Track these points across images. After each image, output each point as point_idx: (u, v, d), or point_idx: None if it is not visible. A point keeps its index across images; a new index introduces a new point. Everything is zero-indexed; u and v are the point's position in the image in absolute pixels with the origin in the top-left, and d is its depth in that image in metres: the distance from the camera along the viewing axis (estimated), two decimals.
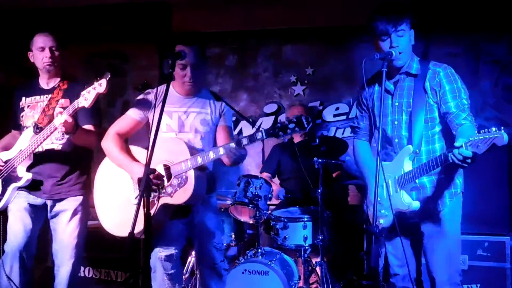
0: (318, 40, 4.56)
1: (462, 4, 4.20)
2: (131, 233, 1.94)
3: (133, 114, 2.64)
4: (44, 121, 2.77)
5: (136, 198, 2.46)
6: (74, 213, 2.86)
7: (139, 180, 2.20)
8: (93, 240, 3.12)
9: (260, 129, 2.28)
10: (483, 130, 1.85)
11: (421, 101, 2.26)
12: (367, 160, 2.50)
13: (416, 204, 2.25)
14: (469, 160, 1.93)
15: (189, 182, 2.41)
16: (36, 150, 2.79)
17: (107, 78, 2.48)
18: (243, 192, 3.48)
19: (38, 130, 2.71)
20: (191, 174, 2.41)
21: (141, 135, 2.72)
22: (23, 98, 2.93)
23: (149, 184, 2.05)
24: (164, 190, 2.44)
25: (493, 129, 1.81)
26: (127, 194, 2.54)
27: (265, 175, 4.08)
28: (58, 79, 2.91)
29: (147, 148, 2.43)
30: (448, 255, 2.29)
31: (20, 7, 4.64)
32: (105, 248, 3.65)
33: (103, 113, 3.23)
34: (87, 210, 2.94)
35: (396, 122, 2.35)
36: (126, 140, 2.72)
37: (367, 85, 2.41)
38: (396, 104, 2.35)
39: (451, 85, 2.24)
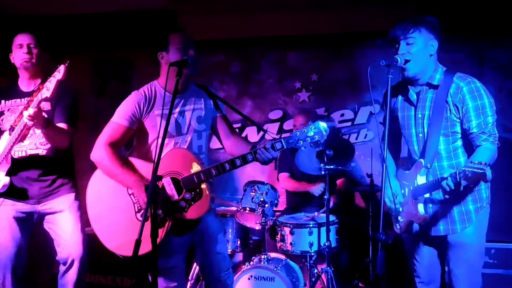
0: (323, 46, 4.58)
1: (464, 10, 4.21)
2: (138, 239, 1.86)
3: (120, 120, 2.39)
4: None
5: (140, 213, 2.30)
6: (70, 212, 2.84)
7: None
8: (98, 246, 3.12)
9: (280, 138, 2.21)
10: (471, 162, 1.95)
11: (439, 115, 2.24)
12: (388, 163, 2.48)
13: (424, 218, 2.27)
14: (452, 193, 2.06)
15: (204, 196, 2.26)
16: (20, 155, 2.77)
17: (66, 65, 2.47)
18: (249, 198, 3.48)
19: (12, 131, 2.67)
20: (205, 188, 2.27)
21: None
22: (3, 102, 2.87)
23: (156, 193, 1.97)
24: (176, 205, 2.28)
25: (477, 161, 1.93)
26: (129, 210, 2.34)
27: (285, 175, 4.09)
28: (39, 81, 2.85)
29: (150, 161, 2.33)
30: (471, 269, 2.30)
31: (25, 14, 4.67)
32: (111, 254, 3.65)
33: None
34: (80, 206, 2.88)
35: (420, 135, 2.33)
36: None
37: (391, 95, 2.41)
38: (419, 116, 2.33)
39: (474, 102, 2.19)
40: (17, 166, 2.75)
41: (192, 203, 2.27)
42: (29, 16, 4.69)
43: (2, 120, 2.82)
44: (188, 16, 4.61)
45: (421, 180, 2.26)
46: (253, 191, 3.49)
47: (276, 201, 3.59)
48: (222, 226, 2.61)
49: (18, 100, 2.85)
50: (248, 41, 4.67)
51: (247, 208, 3.48)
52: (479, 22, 4.19)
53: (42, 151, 2.80)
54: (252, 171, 4.54)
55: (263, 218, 3.44)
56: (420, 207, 2.27)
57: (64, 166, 2.89)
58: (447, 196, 2.21)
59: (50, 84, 2.46)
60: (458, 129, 2.26)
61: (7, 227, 2.79)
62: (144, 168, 2.35)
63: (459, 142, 2.28)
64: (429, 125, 2.27)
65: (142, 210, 2.31)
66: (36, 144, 2.79)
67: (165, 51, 2.39)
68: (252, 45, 4.69)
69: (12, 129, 2.65)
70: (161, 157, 2.11)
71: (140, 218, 2.30)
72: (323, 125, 2.18)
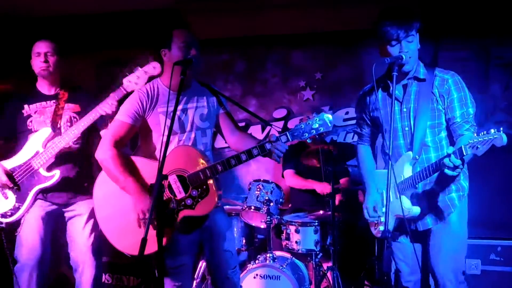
0: (327, 45, 4.57)
1: (471, 8, 4.19)
2: (144, 238, 1.86)
3: (124, 118, 2.38)
4: (57, 123, 2.84)
5: (140, 220, 2.28)
6: (90, 217, 2.88)
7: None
8: (104, 245, 3.14)
9: (285, 132, 2.21)
10: (482, 132, 1.92)
11: (426, 106, 2.28)
12: (369, 165, 2.55)
13: (416, 210, 2.27)
14: (459, 170, 2.03)
15: (211, 192, 2.26)
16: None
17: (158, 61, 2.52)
18: (254, 197, 3.48)
19: (58, 130, 2.80)
20: (211, 183, 2.26)
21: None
22: (26, 106, 2.92)
23: (162, 192, 1.99)
24: (183, 202, 2.28)
25: (492, 130, 1.88)
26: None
27: (290, 172, 4.07)
28: (58, 86, 2.96)
29: (156, 159, 2.35)
30: (454, 254, 2.32)
31: (29, 16, 4.70)
32: (117, 253, 3.66)
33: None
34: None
35: (406, 129, 2.35)
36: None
37: (368, 93, 2.47)
38: (404, 110, 2.35)
39: (459, 93, 2.27)
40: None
41: (200, 200, 2.27)
42: (33, 18, 4.72)
43: (31, 121, 2.90)
44: (192, 15, 4.61)
45: (407, 171, 2.26)
46: (258, 189, 3.49)
47: (281, 200, 3.59)
48: (230, 224, 2.61)
49: (44, 102, 2.93)
50: (252, 40, 4.67)
51: (252, 207, 3.49)
52: (485, 20, 4.17)
53: (71, 148, 2.86)
54: (257, 170, 4.54)
55: (268, 217, 3.44)
56: (405, 200, 2.25)
57: (91, 164, 2.94)
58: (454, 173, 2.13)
59: (140, 80, 2.59)
60: (443, 120, 2.31)
61: (35, 229, 2.84)
62: (149, 167, 2.34)
63: (443, 134, 2.33)
64: (415, 117, 2.29)
65: (142, 218, 2.28)
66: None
67: (167, 48, 2.38)
68: (256, 44, 4.69)
69: (55, 126, 2.78)
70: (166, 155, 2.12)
71: (139, 223, 2.29)
72: (328, 116, 2.17)
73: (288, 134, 2.20)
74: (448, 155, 2.03)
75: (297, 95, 4.64)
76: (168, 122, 2.20)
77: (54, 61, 2.90)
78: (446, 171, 2.07)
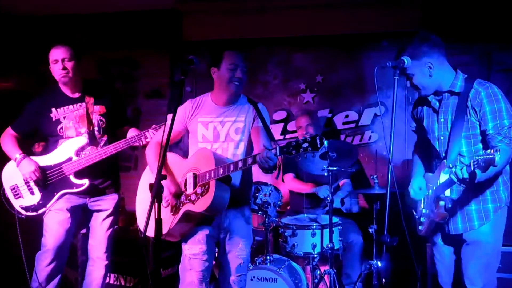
0: (328, 48, 4.56)
1: (473, 13, 4.20)
2: (143, 237, 2.00)
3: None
4: (90, 129, 2.94)
5: (166, 202, 2.56)
6: (111, 214, 3.04)
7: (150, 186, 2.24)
8: None
9: (274, 145, 2.30)
10: (482, 151, 2.11)
11: (461, 118, 2.35)
12: (419, 164, 2.66)
13: (444, 215, 2.37)
14: (467, 181, 2.18)
15: (210, 192, 2.43)
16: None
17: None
18: (252, 199, 3.47)
19: (92, 138, 2.92)
20: (213, 184, 2.42)
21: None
22: (53, 110, 2.95)
23: (160, 190, 2.07)
24: (189, 197, 2.51)
25: (489, 150, 2.07)
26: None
27: (291, 175, 4.06)
28: (81, 87, 3.00)
29: (183, 155, 2.67)
30: (486, 265, 2.38)
31: (32, 15, 4.71)
32: (115, 252, 3.66)
33: None
34: (118, 212, 3.13)
35: (442, 138, 2.46)
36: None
37: (417, 104, 2.61)
38: (442, 120, 2.45)
39: (491, 106, 2.30)
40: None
41: (200, 197, 2.46)
42: (35, 17, 4.73)
43: (61, 128, 2.94)
44: (194, 16, 4.62)
45: (443, 178, 2.35)
46: (257, 192, 3.48)
47: (279, 202, 3.58)
48: (250, 236, 2.73)
49: (71, 106, 2.97)
50: (253, 41, 4.66)
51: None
52: (487, 25, 4.18)
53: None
54: (256, 172, 4.52)
55: (266, 219, 3.43)
56: (442, 204, 2.36)
57: (116, 165, 3.13)
58: (463, 186, 2.30)
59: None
60: (478, 131, 2.37)
61: (61, 220, 2.93)
62: (177, 163, 2.65)
63: (480, 145, 2.39)
64: (451, 128, 2.39)
65: (168, 200, 2.56)
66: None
67: (217, 68, 2.61)
68: (257, 46, 4.69)
69: (90, 137, 2.91)
70: (191, 155, 2.60)
71: (165, 204, 2.56)
72: (320, 138, 2.17)
73: (277, 149, 2.26)
74: (462, 167, 2.15)
75: (297, 97, 4.64)
76: (204, 130, 2.59)
77: (72, 66, 2.90)
78: (452, 177, 2.20)
